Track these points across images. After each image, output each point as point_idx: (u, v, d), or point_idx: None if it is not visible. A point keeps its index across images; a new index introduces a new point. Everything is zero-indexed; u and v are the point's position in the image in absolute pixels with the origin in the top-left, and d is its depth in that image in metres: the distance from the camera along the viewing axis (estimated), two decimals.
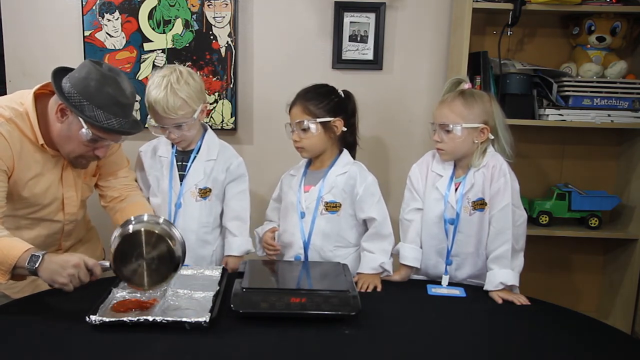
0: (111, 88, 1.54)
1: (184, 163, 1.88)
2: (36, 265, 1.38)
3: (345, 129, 1.82)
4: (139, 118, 2.46)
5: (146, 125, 1.86)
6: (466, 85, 1.74)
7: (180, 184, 1.87)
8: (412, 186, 1.83)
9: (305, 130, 1.77)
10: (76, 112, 1.53)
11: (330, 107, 1.79)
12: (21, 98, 1.63)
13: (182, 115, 1.77)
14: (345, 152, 1.87)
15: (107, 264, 1.43)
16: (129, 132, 1.62)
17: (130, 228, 1.44)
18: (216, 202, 1.92)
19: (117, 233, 1.46)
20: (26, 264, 1.39)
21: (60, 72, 1.60)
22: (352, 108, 1.87)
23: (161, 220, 1.47)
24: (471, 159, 1.71)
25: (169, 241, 1.42)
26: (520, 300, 1.58)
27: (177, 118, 1.77)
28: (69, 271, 1.38)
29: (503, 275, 1.63)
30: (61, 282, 1.38)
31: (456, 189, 1.73)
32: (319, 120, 1.77)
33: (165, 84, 1.75)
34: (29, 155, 1.62)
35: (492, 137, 1.71)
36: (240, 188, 1.94)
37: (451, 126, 1.67)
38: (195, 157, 1.88)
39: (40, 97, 1.62)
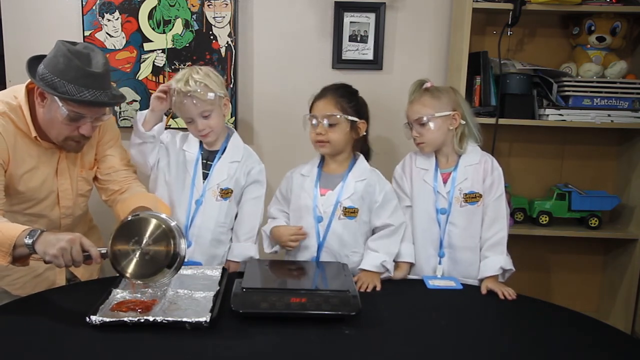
0: (79, 61, 1.54)
1: (208, 162, 1.89)
2: (34, 239, 1.39)
3: (365, 133, 1.86)
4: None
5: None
6: (428, 84, 1.85)
7: (203, 182, 1.87)
8: (397, 186, 1.89)
9: (333, 125, 1.78)
10: (49, 90, 1.53)
11: (357, 108, 1.83)
12: (14, 92, 1.65)
13: (207, 100, 1.79)
14: (362, 157, 1.88)
15: (105, 250, 1.42)
16: (107, 103, 1.61)
17: (145, 215, 1.45)
18: (234, 204, 1.92)
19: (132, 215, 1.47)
20: (24, 240, 1.39)
21: (37, 59, 1.61)
22: (367, 113, 1.90)
23: (173, 224, 1.46)
24: (450, 147, 1.82)
25: (172, 244, 1.41)
26: (506, 292, 1.61)
27: (202, 104, 1.79)
28: (61, 244, 1.37)
29: (502, 260, 1.72)
30: (52, 253, 1.37)
31: (445, 181, 1.81)
32: (350, 117, 1.79)
33: (186, 71, 1.83)
34: (23, 149, 1.63)
35: (464, 122, 1.80)
36: (257, 194, 1.93)
37: (425, 118, 1.78)
38: (220, 157, 1.89)
39: (33, 91, 1.63)
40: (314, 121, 1.81)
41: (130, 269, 1.41)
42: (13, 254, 1.41)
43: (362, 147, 1.91)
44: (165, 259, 1.42)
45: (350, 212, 1.80)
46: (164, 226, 1.43)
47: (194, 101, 1.79)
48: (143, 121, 1.84)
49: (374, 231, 1.85)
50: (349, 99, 1.82)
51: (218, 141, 1.91)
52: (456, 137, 1.80)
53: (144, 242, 1.41)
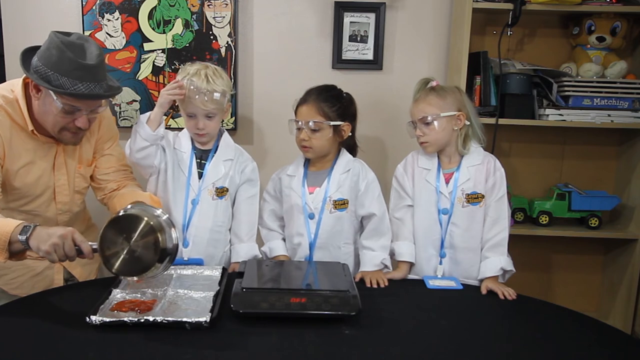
0: (72, 53, 1.51)
1: (202, 161, 1.89)
2: (27, 235, 1.38)
3: (350, 134, 1.86)
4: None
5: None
6: (434, 83, 1.83)
7: (198, 182, 1.86)
8: (398, 185, 1.89)
9: (315, 130, 1.79)
10: (43, 83, 1.51)
11: (341, 111, 1.83)
12: (12, 85, 1.64)
13: (218, 104, 1.78)
14: (344, 150, 1.90)
15: (96, 245, 1.40)
16: (102, 95, 1.58)
17: (134, 211, 1.43)
18: (230, 203, 1.92)
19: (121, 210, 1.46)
20: (18, 236, 1.39)
21: (32, 51, 1.59)
22: (354, 111, 1.90)
23: (163, 218, 1.45)
24: (454, 147, 1.81)
25: (159, 236, 1.39)
26: (506, 292, 1.61)
27: (210, 109, 1.78)
28: (53, 240, 1.37)
29: (503, 261, 1.72)
30: (45, 249, 1.37)
31: (447, 181, 1.80)
32: (332, 123, 1.79)
33: (204, 74, 1.80)
34: (19, 143, 1.62)
35: (468, 123, 1.79)
36: (251, 192, 1.93)
37: (430, 118, 1.76)
38: (213, 155, 1.89)
39: (29, 84, 1.61)
40: (299, 124, 1.82)
41: (120, 267, 1.38)
42: (9, 250, 1.41)
43: (348, 142, 1.90)
44: (154, 255, 1.39)
45: (340, 204, 1.82)
46: (152, 222, 1.40)
47: (205, 98, 1.77)
48: (147, 122, 1.78)
49: (361, 221, 1.88)
50: (332, 103, 1.81)
51: (210, 141, 1.91)
52: (460, 138, 1.79)
53: (133, 239, 1.39)
